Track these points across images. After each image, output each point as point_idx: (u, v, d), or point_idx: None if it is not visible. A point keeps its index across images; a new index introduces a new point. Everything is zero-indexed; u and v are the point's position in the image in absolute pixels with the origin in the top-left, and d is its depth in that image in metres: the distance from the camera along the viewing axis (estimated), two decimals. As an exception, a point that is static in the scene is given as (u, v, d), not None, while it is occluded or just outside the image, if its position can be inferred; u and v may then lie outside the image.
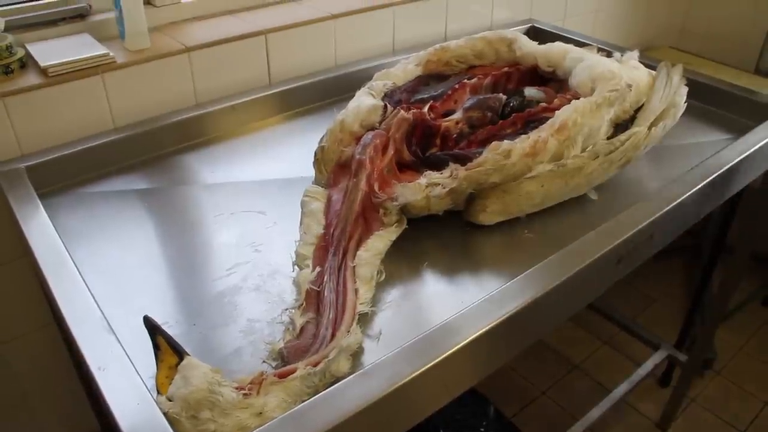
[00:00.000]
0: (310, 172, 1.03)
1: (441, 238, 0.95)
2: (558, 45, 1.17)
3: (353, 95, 1.14)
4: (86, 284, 0.80)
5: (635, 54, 1.22)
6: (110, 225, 0.98)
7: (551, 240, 0.94)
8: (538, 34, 1.73)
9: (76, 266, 0.84)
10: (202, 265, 0.89)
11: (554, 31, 1.71)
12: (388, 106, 1.06)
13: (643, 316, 2.31)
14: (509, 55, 1.20)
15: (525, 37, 1.21)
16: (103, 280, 0.86)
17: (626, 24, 2.22)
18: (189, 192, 1.07)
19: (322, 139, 1.02)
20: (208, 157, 1.17)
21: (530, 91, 1.13)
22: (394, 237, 0.89)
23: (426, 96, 1.14)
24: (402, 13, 1.51)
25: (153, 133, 1.17)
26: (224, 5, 1.41)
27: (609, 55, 1.22)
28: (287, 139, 1.23)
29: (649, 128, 1.04)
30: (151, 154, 1.16)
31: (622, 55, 1.21)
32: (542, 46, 1.18)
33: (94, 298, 0.78)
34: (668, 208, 0.96)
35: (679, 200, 0.98)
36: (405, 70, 1.17)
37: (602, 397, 1.72)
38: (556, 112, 1.00)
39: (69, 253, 0.86)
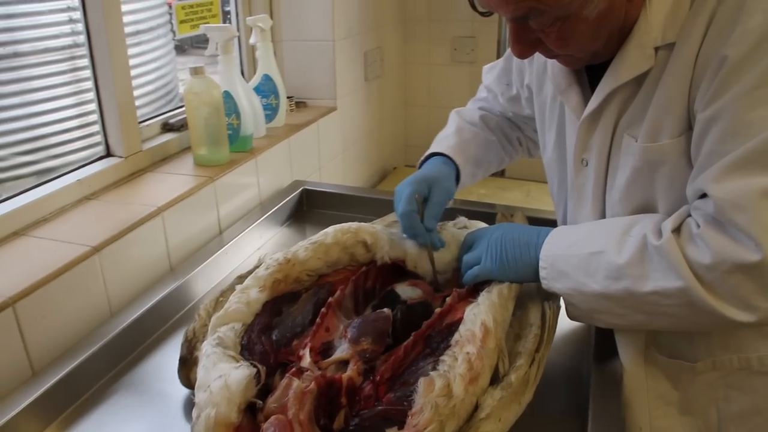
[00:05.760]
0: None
1: None
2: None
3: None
4: None
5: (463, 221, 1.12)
6: None
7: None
8: (310, 196, 1.57)
9: None
10: None
11: (325, 190, 1.58)
12: (260, 369, 0.78)
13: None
14: (366, 256, 0.99)
15: (382, 233, 1.01)
16: None
17: (369, 156, 2.19)
18: None
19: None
20: None
21: (404, 291, 0.95)
22: None
23: (289, 333, 0.88)
24: (171, 214, 1.22)
25: None
26: None
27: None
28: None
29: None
30: None
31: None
32: (407, 242, 1.00)
33: None
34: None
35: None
36: (248, 302, 0.89)
37: None
38: (467, 317, 0.83)
39: None
